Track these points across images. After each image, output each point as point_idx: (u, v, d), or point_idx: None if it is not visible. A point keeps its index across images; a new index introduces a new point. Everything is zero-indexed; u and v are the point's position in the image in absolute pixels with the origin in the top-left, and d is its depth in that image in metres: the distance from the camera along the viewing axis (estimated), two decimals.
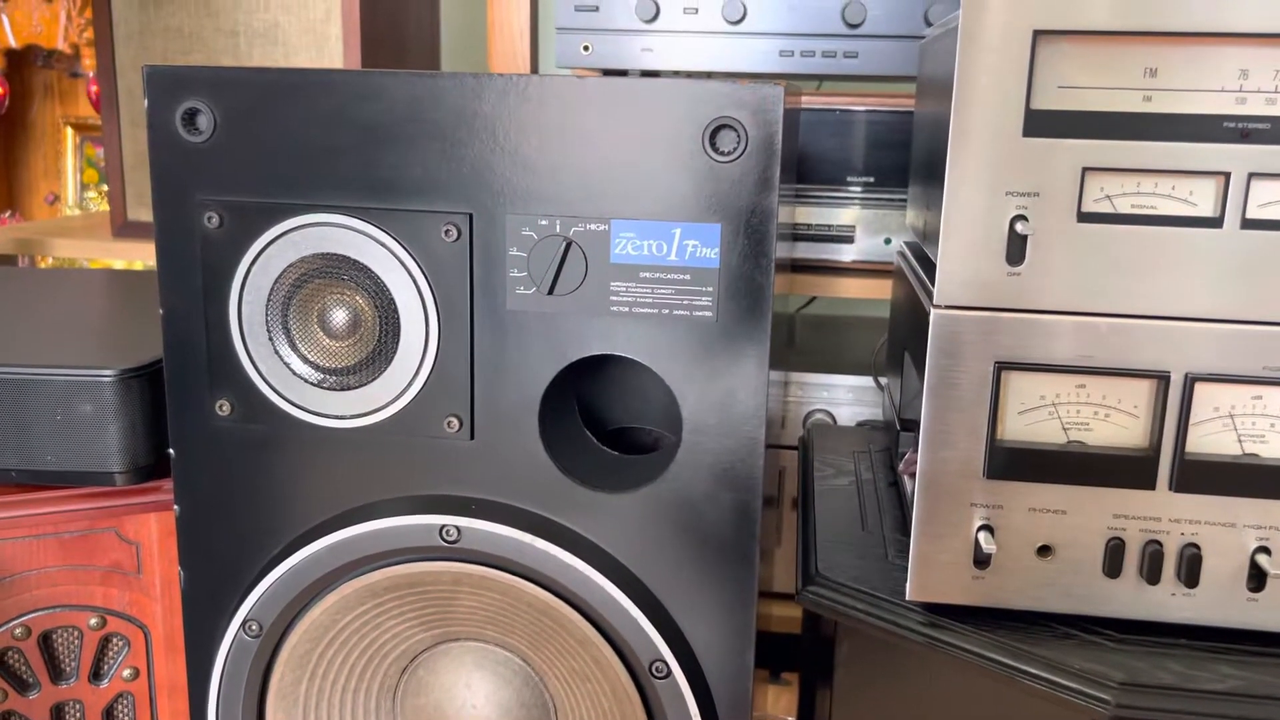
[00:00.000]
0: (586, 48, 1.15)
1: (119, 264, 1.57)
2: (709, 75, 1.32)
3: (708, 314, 0.60)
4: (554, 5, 1.14)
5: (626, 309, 0.60)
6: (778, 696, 1.16)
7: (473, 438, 0.63)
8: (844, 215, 1.11)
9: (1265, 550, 0.55)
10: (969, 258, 0.54)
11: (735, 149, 0.58)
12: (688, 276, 0.60)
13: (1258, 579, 0.55)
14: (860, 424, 1.04)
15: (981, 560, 0.57)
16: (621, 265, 0.60)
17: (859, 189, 1.11)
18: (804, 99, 1.11)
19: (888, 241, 1.08)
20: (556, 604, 0.65)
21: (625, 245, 0.60)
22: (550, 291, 0.60)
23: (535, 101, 0.59)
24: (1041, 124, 0.52)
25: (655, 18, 1.14)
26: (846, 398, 1.12)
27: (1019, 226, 0.53)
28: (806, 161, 1.12)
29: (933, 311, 0.55)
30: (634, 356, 0.61)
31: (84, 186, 1.93)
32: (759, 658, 1.01)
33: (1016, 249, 0.53)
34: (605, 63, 1.16)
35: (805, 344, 1.29)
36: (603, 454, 0.69)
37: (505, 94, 0.59)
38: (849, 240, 1.11)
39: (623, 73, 1.21)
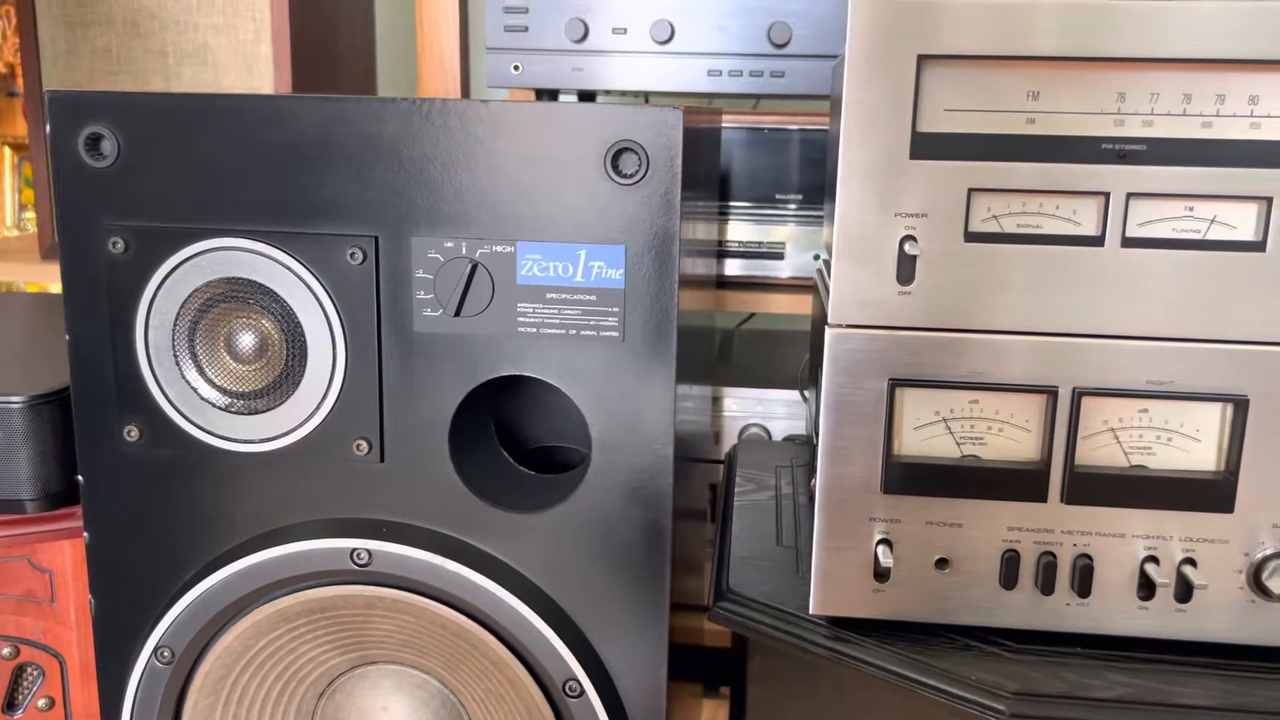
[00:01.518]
0: (517, 68, 1.16)
1: (55, 287, 1.55)
2: (646, 96, 1.33)
3: (614, 334, 0.61)
4: (484, 26, 1.14)
5: (534, 330, 0.61)
6: (715, 710, 1.16)
7: (383, 460, 0.64)
8: (776, 232, 1.12)
9: (1154, 559, 0.56)
10: (861, 277, 0.55)
11: (637, 171, 0.58)
12: (594, 297, 0.60)
13: (1147, 588, 0.56)
14: (787, 439, 1.05)
15: (881, 574, 0.58)
16: (528, 287, 0.60)
17: (792, 206, 1.12)
18: (738, 118, 1.13)
19: (817, 258, 1.09)
20: (469, 626, 0.65)
21: (531, 267, 0.60)
22: (457, 313, 0.61)
23: (439, 125, 0.59)
24: (928, 146, 0.53)
25: (584, 38, 1.15)
26: (781, 412, 1.13)
27: (908, 247, 0.54)
28: (739, 179, 1.13)
29: (828, 330, 0.56)
30: (543, 377, 0.62)
31: (22, 207, 1.91)
32: (695, 671, 1.01)
33: (906, 269, 0.54)
34: (536, 82, 1.16)
35: (743, 359, 1.30)
36: (518, 474, 0.69)
37: (409, 117, 0.59)
38: (779, 257, 1.12)
39: (554, 93, 1.22)
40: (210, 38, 1.19)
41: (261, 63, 1.20)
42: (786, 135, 1.14)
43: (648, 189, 0.59)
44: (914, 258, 0.54)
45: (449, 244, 0.60)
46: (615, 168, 0.59)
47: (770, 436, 1.11)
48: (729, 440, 1.14)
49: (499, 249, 0.60)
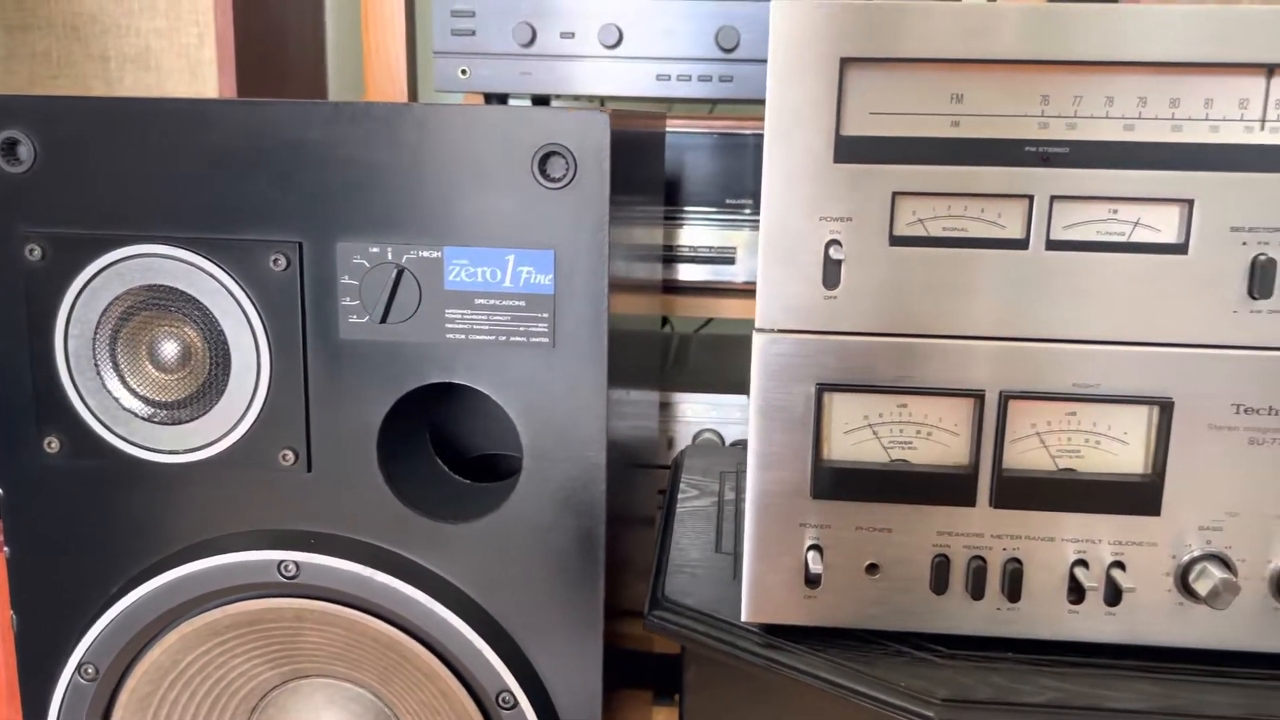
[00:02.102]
0: (464, 72, 1.15)
1: None
2: (601, 100, 1.33)
3: (544, 340, 0.60)
4: (431, 29, 1.13)
5: (462, 336, 0.60)
6: (668, 717, 1.15)
7: (310, 470, 0.62)
8: (729, 237, 1.12)
9: (1083, 563, 0.56)
10: (787, 281, 0.55)
11: (565, 175, 0.58)
12: (523, 303, 0.60)
13: (1077, 591, 0.56)
14: (734, 444, 1.05)
15: (812, 580, 0.57)
16: (456, 292, 0.60)
17: (746, 211, 1.12)
18: (688, 123, 1.13)
19: None
20: (400, 638, 0.64)
21: (459, 272, 0.59)
22: (383, 320, 0.60)
23: (364, 128, 0.58)
24: (852, 150, 0.53)
25: (532, 42, 1.14)
26: (736, 416, 1.13)
27: (832, 251, 0.54)
28: (691, 184, 1.13)
29: (755, 335, 0.55)
30: (472, 384, 0.61)
31: None
32: (645, 678, 1.00)
33: (832, 273, 0.54)
34: (484, 86, 1.15)
35: (699, 364, 1.30)
36: (453, 482, 0.69)
37: (333, 121, 0.58)
38: (730, 262, 1.12)
39: (503, 97, 1.21)
40: (152, 41, 1.18)
41: (205, 67, 1.18)
42: (737, 140, 1.14)
43: (576, 193, 0.58)
44: (839, 262, 0.54)
45: (374, 249, 0.59)
46: (543, 172, 0.58)
47: (724, 441, 1.11)
48: (683, 446, 1.13)
49: (426, 254, 0.59)
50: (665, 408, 1.16)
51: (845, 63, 0.52)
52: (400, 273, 0.59)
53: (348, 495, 0.63)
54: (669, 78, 1.15)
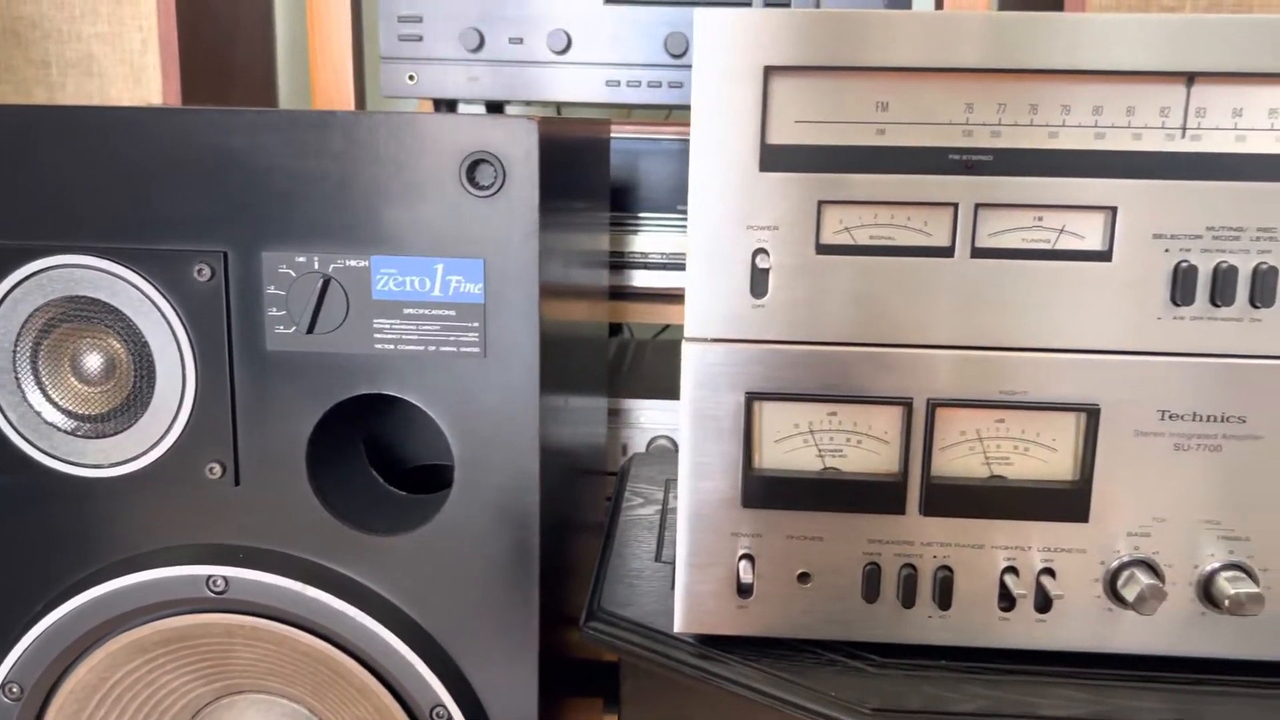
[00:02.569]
0: (412, 77, 1.14)
1: None
2: (558, 107, 1.32)
3: (475, 350, 0.59)
4: (378, 34, 1.12)
5: (391, 346, 0.59)
6: None
7: (238, 484, 0.61)
8: (685, 244, 1.12)
9: (1013, 570, 0.56)
10: (715, 290, 0.54)
11: (493, 183, 0.57)
12: (453, 312, 0.59)
13: (1008, 599, 0.56)
14: None
15: (744, 590, 0.57)
16: (384, 302, 0.59)
17: None
18: (637, 128, 1.12)
19: None
20: (333, 653, 0.63)
21: (387, 282, 0.59)
22: (310, 330, 0.59)
23: (289, 136, 0.57)
24: (777, 159, 0.53)
25: (480, 47, 1.14)
26: None
27: (759, 260, 0.53)
28: (644, 190, 1.12)
29: (684, 344, 0.55)
30: (402, 395, 0.60)
31: None
32: (595, 687, 1.00)
33: (760, 282, 0.54)
34: (432, 92, 1.15)
35: (656, 370, 1.30)
36: (387, 494, 0.68)
37: (258, 129, 0.57)
38: (681, 268, 1.12)
39: (452, 104, 1.20)
40: (95, 47, 1.16)
41: (149, 72, 1.16)
42: (686, 146, 1.13)
43: (506, 201, 0.57)
44: (766, 271, 0.54)
45: (300, 259, 0.58)
46: (471, 180, 0.57)
47: (676, 448, 1.11)
48: (639, 451, 1.13)
49: (353, 263, 0.58)
50: (620, 414, 1.15)
51: (769, 71, 0.52)
52: (326, 282, 0.58)
53: (277, 508, 0.62)
54: (619, 84, 1.14)
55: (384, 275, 0.59)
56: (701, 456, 0.56)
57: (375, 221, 0.58)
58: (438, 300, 0.59)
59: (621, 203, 1.12)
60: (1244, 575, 0.55)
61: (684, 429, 0.56)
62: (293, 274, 0.59)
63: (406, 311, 0.59)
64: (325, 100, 1.17)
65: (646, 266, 1.13)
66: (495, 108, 1.26)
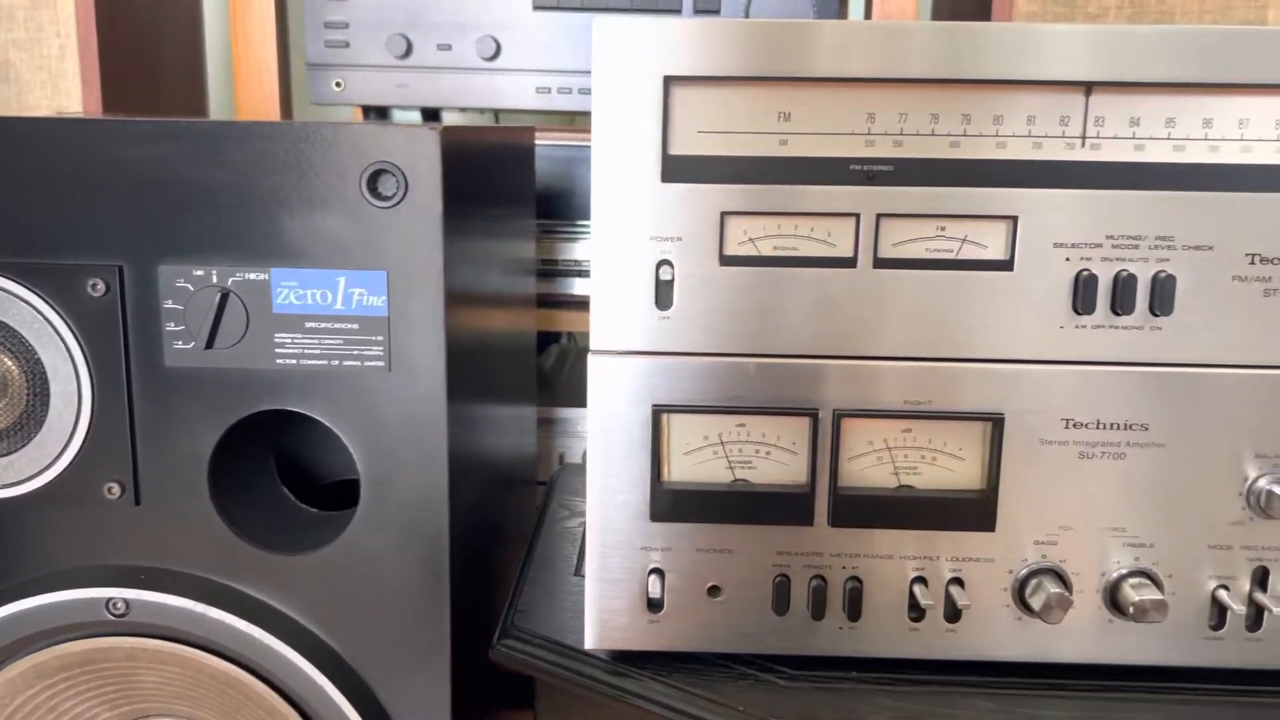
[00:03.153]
0: (339, 84, 1.13)
1: None
2: (496, 114, 1.31)
3: (380, 364, 0.58)
4: (304, 40, 1.11)
5: (293, 361, 0.58)
6: None
7: (138, 503, 0.60)
8: None
9: (923, 580, 0.56)
10: (620, 302, 0.54)
11: (395, 194, 0.56)
12: (356, 326, 0.58)
13: (917, 609, 0.56)
14: None
15: (654, 604, 0.56)
16: (285, 316, 0.58)
17: None
18: (578, 136, 1.12)
19: None
20: (240, 675, 0.61)
21: (288, 295, 0.57)
22: (209, 345, 0.57)
23: (187, 147, 0.56)
24: (680, 169, 0.52)
25: (408, 53, 1.12)
26: None
27: (663, 272, 0.53)
28: (584, 198, 1.12)
29: (590, 357, 0.54)
30: (306, 411, 0.59)
31: None
32: (528, 700, 0.98)
33: (664, 293, 0.53)
34: (360, 99, 1.13)
35: None
36: (297, 512, 0.66)
37: (154, 139, 0.56)
38: None
39: (382, 110, 1.19)
40: (11, 53, 1.13)
41: (69, 80, 1.14)
42: None
43: (408, 211, 0.56)
44: (670, 282, 0.53)
45: (199, 272, 0.57)
46: (373, 190, 0.56)
47: None
48: (572, 462, 1.12)
49: (252, 276, 0.57)
50: (557, 423, 1.15)
51: (669, 81, 0.51)
52: (225, 296, 0.57)
53: (179, 528, 0.60)
54: (549, 90, 1.13)
55: (285, 288, 0.57)
56: (609, 470, 0.55)
57: (276, 234, 0.57)
58: (340, 313, 0.57)
59: (559, 210, 1.11)
60: (1149, 582, 0.55)
61: (591, 443, 0.55)
62: (190, 288, 0.57)
63: (308, 325, 0.58)
64: (250, 109, 1.15)
65: (585, 274, 1.12)
66: (431, 115, 1.25)
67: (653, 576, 0.56)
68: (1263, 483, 0.54)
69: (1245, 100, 0.51)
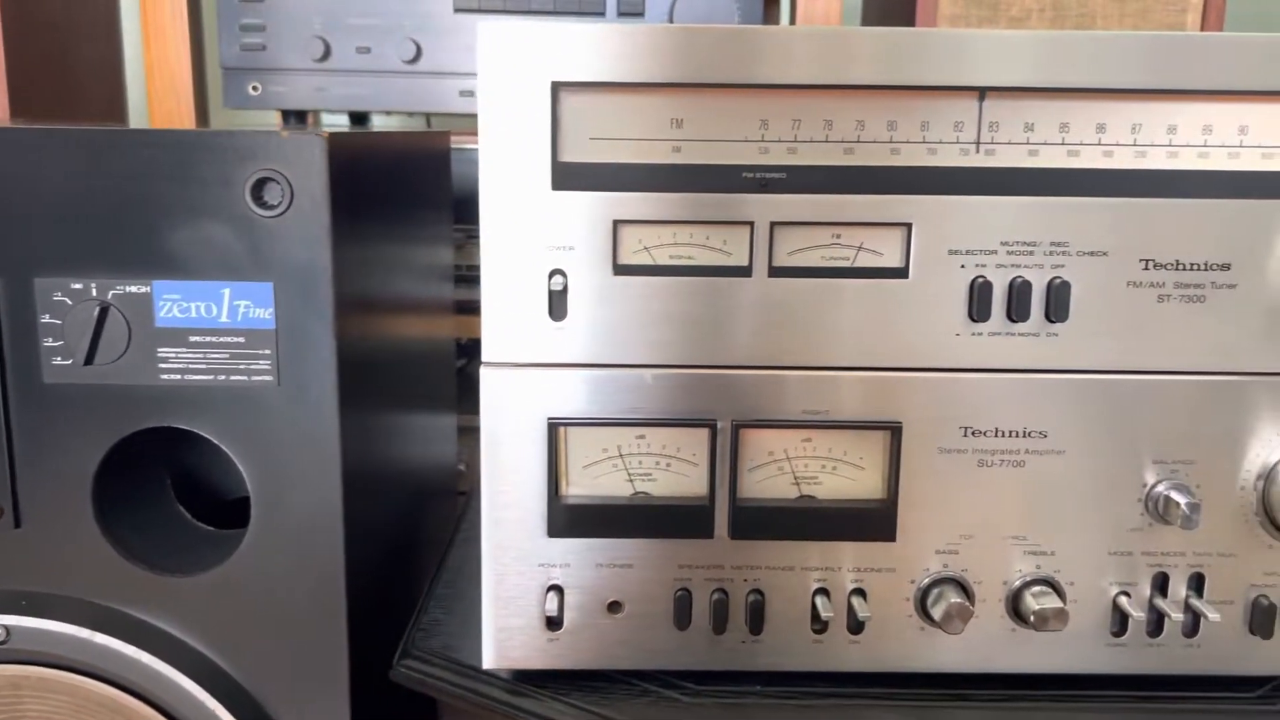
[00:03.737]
0: (255, 88, 1.10)
1: None
2: (427, 118, 1.29)
3: (268, 378, 0.56)
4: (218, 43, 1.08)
5: (178, 377, 0.56)
6: None
7: (18, 526, 0.57)
8: None
9: (825, 592, 0.55)
10: (513, 313, 0.52)
11: (281, 202, 0.54)
12: (242, 339, 0.56)
13: (820, 621, 0.55)
14: None
15: (553, 622, 0.55)
16: (168, 330, 0.55)
17: None
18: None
19: None
20: (130, 703, 0.59)
21: (171, 308, 0.55)
22: (89, 361, 0.55)
23: (62, 155, 0.54)
24: (570, 177, 0.51)
25: (326, 56, 1.10)
26: None
27: (555, 282, 0.52)
28: None
29: (482, 369, 0.53)
30: (192, 428, 0.57)
31: None
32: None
33: (558, 304, 0.52)
34: (277, 103, 1.11)
35: None
36: (193, 532, 0.64)
37: (28, 148, 0.54)
38: None
39: (301, 114, 1.17)
40: None
41: None
42: None
43: (295, 220, 0.55)
44: (564, 292, 0.52)
45: (77, 285, 0.55)
46: (257, 199, 0.54)
47: None
48: None
49: (133, 289, 0.55)
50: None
51: (558, 87, 0.50)
52: (105, 310, 0.55)
53: (63, 551, 0.58)
54: (472, 94, 1.12)
55: (167, 301, 0.55)
56: (504, 486, 0.54)
57: (157, 245, 0.55)
58: (226, 326, 0.56)
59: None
60: (1051, 590, 0.54)
61: (484, 458, 0.54)
62: (68, 301, 0.55)
63: (193, 339, 0.56)
64: (164, 114, 1.12)
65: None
66: (358, 119, 1.23)
67: (551, 594, 0.55)
68: (1161, 488, 0.54)
69: (1139, 105, 0.51)
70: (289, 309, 0.56)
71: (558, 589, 0.55)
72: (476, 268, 1.12)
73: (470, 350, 1.38)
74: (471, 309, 1.09)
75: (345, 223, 0.57)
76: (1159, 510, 0.54)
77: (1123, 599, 0.55)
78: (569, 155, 0.51)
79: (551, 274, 0.52)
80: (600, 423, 0.53)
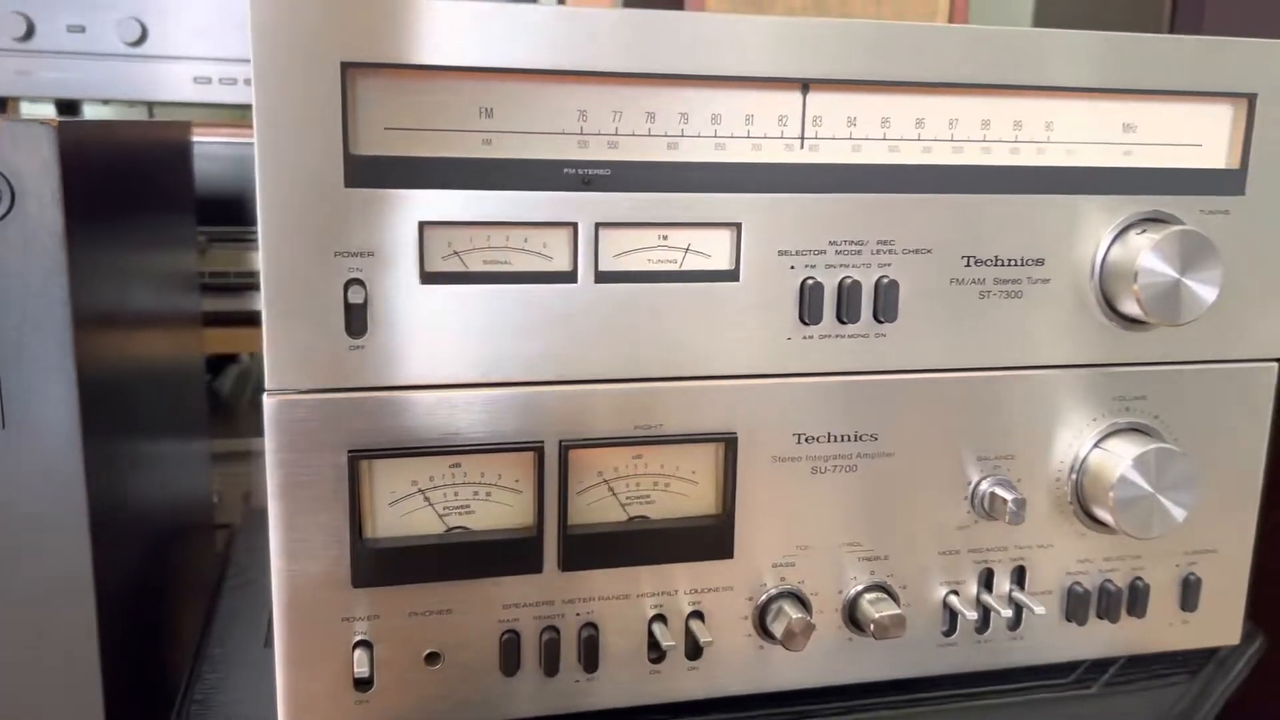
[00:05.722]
0: None
1: None
2: (149, 107, 1.15)
3: None
4: None
5: None
6: None
7: None
8: None
9: (662, 619, 0.51)
10: (301, 331, 0.45)
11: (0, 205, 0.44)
12: None
13: (658, 650, 0.51)
14: None
15: (362, 683, 0.48)
16: None
17: None
18: (250, 134, 0.99)
19: None
20: None
21: None
22: None
23: None
24: (366, 172, 0.44)
25: (30, 35, 0.95)
26: None
27: (352, 293, 0.45)
28: (252, 202, 0.99)
29: (265, 398, 0.45)
30: None
31: None
32: None
33: (356, 319, 0.45)
34: None
35: None
36: None
37: None
38: None
39: (3, 103, 1.01)
40: None
41: None
42: None
43: (19, 226, 0.45)
44: (363, 305, 0.45)
45: None
46: None
47: None
48: (258, 504, 0.99)
49: None
50: (240, 457, 1.02)
51: (348, 69, 0.43)
52: None
53: None
54: (209, 80, 1.00)
55: None
56: (295, 533, 0.47)
57: None
58: None
59: (228, 216, 0.98)
60: (886, 596, 0.53)
61: (272, 502, 0.46)
62: None
63: None
64: None
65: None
66: (67, 108, 1.08)
67: (359, 651, 0.48)
68: (985, 485, 0.54)
69: (956, 100, 0.51)
70: (15, 332, 0.45)
71: (366, 645, 0.48)
72: (222, 275, 1.01)
73: (216, 366, 1.25)
74: (218, 320, 0.98)
75: (80, 228, 0.47)
76: (985, 507, 0.54)
77: (952, 598, 0.55)
78: (364, 148, 0.44)
79: (348, 284, 0.45)
80: (411, 453, 0.47)
